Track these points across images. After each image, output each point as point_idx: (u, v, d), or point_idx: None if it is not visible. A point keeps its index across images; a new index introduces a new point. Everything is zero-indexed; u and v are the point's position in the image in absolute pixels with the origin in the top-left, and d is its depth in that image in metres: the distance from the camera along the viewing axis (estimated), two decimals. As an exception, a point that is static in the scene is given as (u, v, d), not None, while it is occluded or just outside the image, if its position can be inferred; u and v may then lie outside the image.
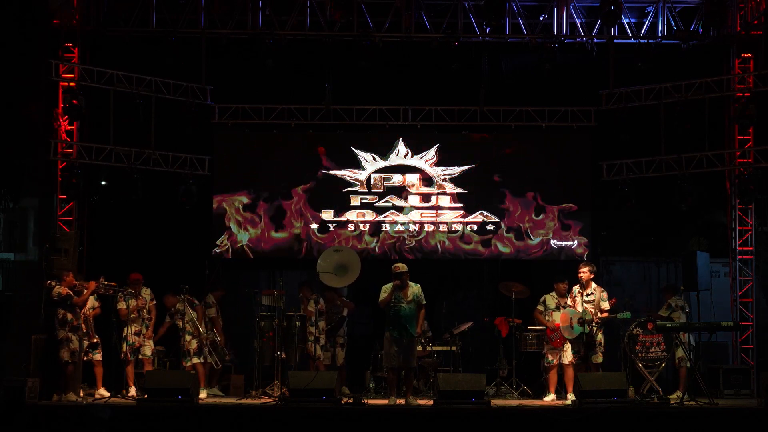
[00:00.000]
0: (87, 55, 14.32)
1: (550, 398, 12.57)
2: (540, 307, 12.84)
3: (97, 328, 12.54)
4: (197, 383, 12.07)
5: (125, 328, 12.49)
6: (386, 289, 11.88)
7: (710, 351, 13.35)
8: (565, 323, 12.44)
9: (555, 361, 12.59)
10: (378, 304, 11.97)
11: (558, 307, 12.72)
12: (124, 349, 12.42)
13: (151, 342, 12.66)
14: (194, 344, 12.65)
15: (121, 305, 12.51)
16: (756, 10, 14.17)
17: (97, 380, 12.41)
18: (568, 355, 12.53)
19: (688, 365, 12.48)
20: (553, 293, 12.83)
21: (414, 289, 11.91)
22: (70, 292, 12.13)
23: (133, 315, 12.51)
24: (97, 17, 14.30)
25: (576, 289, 12.65)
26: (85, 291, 12.21)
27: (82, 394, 12.07)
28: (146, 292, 12.75)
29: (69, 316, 12.09)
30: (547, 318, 12.73)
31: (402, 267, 11.95)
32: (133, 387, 12.38)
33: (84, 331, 12.24)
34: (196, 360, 12.62)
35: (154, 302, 12.80)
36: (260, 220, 14.92)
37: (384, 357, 11.97)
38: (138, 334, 12.51)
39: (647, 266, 15.14)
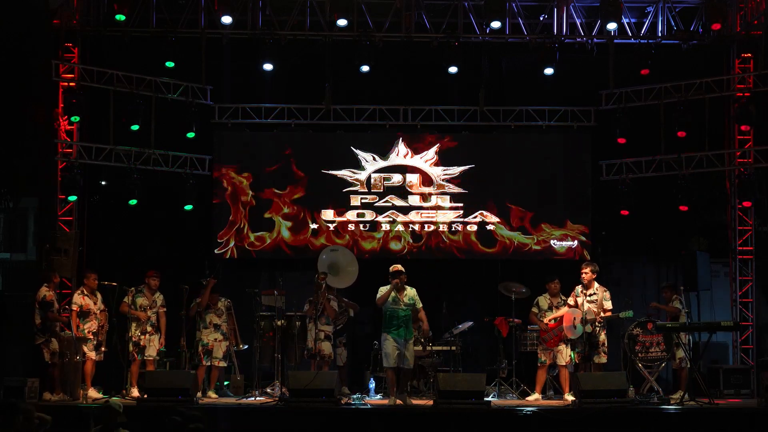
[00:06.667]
0: (87, 55, 14.32)
1: (533, 398, 12.58)
2: (534, 309, 12.93)
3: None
4: (197, 383, 12.09)
5: (129, 329, 12.49)
6: (383, 290, 11.89)
7: (710, 351, 13.34)
8: (569, 323, 12.45)
9: (547, 361, 12.64)
10: (375, 302, 11.97)
11: (551, 308, 12.79)
12: (131, 349, 12.41)
13: (155, 342, 12.64)
14: (223, 346, 12.73)
15: (125, 300, 12.49)
16: (756, 10, 14.17)
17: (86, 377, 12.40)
18: (564, 356, 12.55)
19: (688, 365, 12.47)
20: (546, 294, 12.89)
21: (410, 292, 11.94)
22: (53, 300, 12.17)
23: (141, 313, 12.50)
24: (97, 17, 14.31)
25: (579, 289, 12.66)
26: (63, 320, 12.30)
27: (82, 394, 12.06)
28: (159, 298, 12.77)
29: (49, 317, 12.11)
30: (541, 319, 12.78)
31: (399, 267, 11.97)
32: (135, 387, 12.36)
33: (95, 330, 12.31)
34: (223, 364, 12.75)
35: (164, 309, 12.78)
36: (260, 220, 14.91)
37: (383, 358, 11.96)
38: (144, 333, 12.51)
39: (647, 266, 15.14)
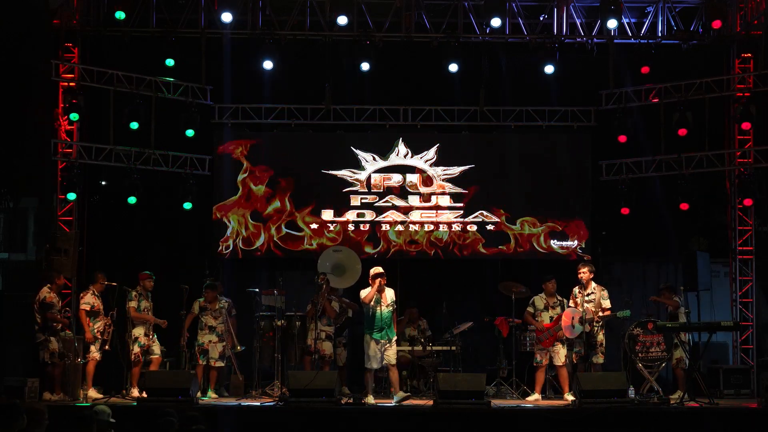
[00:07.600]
0: (87, 55, 14.33)
1: (533, 398, 12.57)
2: (530, 309, 12.92)
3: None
4: (198, 383, 12.08)
5: (133, 330, 12.48)
6: (366, 290, 11.89)
7: (710, 351, 13.34)
8: (567, 322, 12.45)
9: (544, 361, 12.63)
10: (362, 300, 11.91)
11: (546, 308, 12.80)
12: (136, 351, 12.41)
13: (155, 340, 12.66)
14: (219, 347, 12.70)
15: (132, 304, 12.50)
16: (756, 10, 14.17)
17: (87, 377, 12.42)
18: (560, 356, 12.55)
19: (686, 365, 12.46)
20: (542, 294, 12.89)
21: (389, 293, 11.96)
22: (53, 301, 12.15)
23: (143, 316, 12.51)
24: (97, 17, 14.31)
25: (576, 289, 12.68)
26: (64, 321, 12.30)
27: (82, 394, 12.06)
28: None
29: (48, 317, 12.11)
30: (536, 319, 12.78)
31: (380, 269, 11.97)
32: (136, 388, 12.36)
33: (102, 329, 12.32)
34: (220, 363, 12.71)
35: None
36: (261, 220, 14.91)
37: (366, 359, 11.93)
38: (147, 334, 12.51)
39: (647, 266, 15.14)
